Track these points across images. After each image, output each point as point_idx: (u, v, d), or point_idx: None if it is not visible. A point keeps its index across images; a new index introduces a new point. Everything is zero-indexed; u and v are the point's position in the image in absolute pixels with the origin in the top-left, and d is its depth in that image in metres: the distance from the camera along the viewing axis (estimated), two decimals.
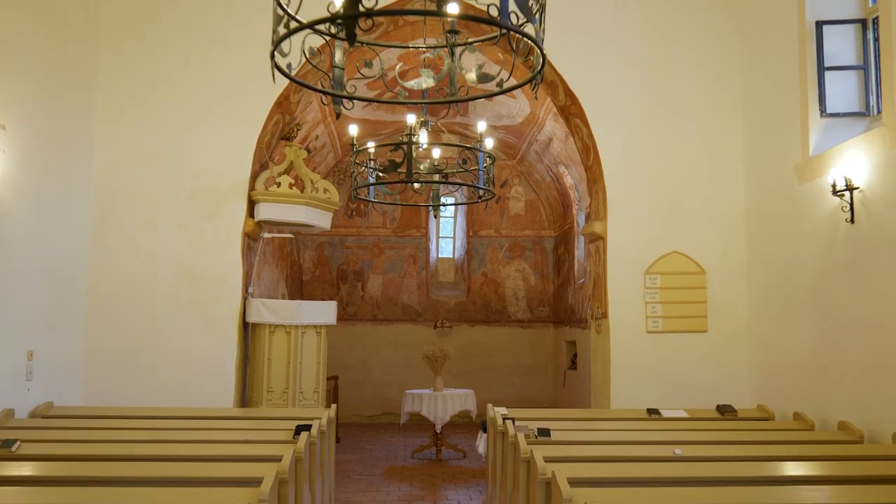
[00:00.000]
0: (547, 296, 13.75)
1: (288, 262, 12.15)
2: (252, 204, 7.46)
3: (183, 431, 5.24)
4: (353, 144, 4.90)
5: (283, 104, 7.68)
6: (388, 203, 5.46)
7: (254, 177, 7.45)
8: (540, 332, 13.69)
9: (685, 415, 6.48)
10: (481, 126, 4.61)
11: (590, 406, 10.38)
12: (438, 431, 9.43)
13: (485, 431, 7.40)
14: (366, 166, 5.02)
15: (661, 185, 7.54)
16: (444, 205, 5.68)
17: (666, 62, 7.60)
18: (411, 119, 4.44)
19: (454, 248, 14.24)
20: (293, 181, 7.45)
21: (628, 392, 7.30)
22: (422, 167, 4.49)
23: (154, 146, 7.32)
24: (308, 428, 4.98)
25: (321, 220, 7.62)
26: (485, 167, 4.82)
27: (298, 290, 13.06)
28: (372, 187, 5.27)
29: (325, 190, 7.63)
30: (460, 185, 4.57)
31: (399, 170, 4.44)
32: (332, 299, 13.21)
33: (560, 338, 13.10)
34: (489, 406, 6.50)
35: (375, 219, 13.78)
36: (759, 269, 7.25)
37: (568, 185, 12.11)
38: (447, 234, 14.37)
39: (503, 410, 6.29)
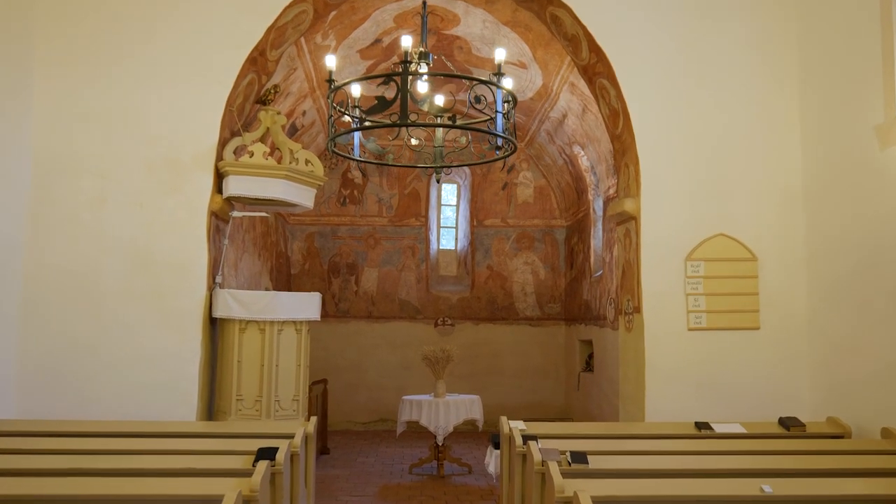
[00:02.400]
0: (558, 291, 12.58)
1: (273, 253, 10.98)
2: (220, 177, 6.30)
3: (108, 458, 4.07)
4: (330, 80, 3.75)
5: (257, 61, 6.51)
6: (376, 163, 4.29)
7: (222, 145, 6.29)
8: (551, 330, 12.53)
9: (742, 430, 5.32)
10: (500, 54, 3.44)
11: (613, 415, 9.26)
12: (440, 444, 8.26)
13: (496, 448, 6.23)
14: (347, 113, 3.85)
15: (704, 156, 6.38)
16: (450, 165, 4.49)
17: (708, 8, 6.44)
18: (406, 42, 3.27)
19: (456, 238, 13.08)
20: (268, 150, 6.28)
21: (666, 401, 6.13)
22: (424, 107, 3.32)
23: (103, 107, 6.16)
24: (272, 454, 3.81)
25: (303, 197, 6.46)
26: (504, 112, 3.65)
27: (286, 284, 11.89)
28: (357, 144, 4.11)
29: (308, 161, 6.47)
30: (470, 128, 3.38)
31: (391, 112, 3.30)
32: (322, 294, 12.06)
33: (573, 337, 11.94)
34: (503, 420, 5.33)
35: (370, 207, 12.62)
36: (822, 254, 6.09)
37: (583, 167, 10.94)
38: (449, 224, 13.21)
39: (521, 425, 5.12)
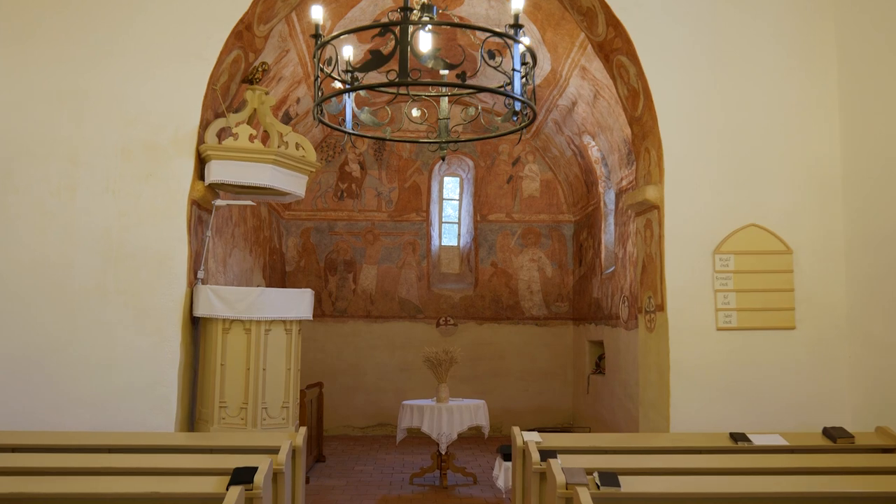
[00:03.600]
0: (566, 289, 12.01)
1: (266, 249, 10.41)
2: (202, 162, 5.73)
3: (63, 480, 3.50)
4: (316, 35, 3.18)
5: (243, 36, 5.95)
6: (370, 137, 3.71)
7: (204, 127, 5.72)
8: (558, 330, 11.96)
9: (783, 441, 4.75)
10: (516, 3, 2.87)
11: (628, 421, 8.69)
12: (443, 452, 7.69)
13: (506, 459, 5.68)
14: (333, 76, 3.26)
15: (734, 139, 5.81)
16: (458, 140, 3.91)
17: None
18: None
19: (459, 234, 12.51)
20: (255, 133, 5.71)
21: (693, 408, 5.57)
22: (428, 63, 2.74)
23: (72, 87, 5.59)
24: (249, 475, 3.24)
25: (293, 184, 5.88)
26: (523, 74, 3.06)
27: (280, 281, 11.32)
28: (349, 115, 3.52)
29: (299, 146, 5.90)
30: (484, 89, 2.80)
31: (388, 69, 2.73)
32: (318, 293, 11.51)
33: (582, 337, 11.37)
34: (515, 431, 4.76)
35: (369, 201, 12.05)
36: (862, 246, 5.53)
37: (593, 158, 10.38)
38: (451, 219, 12.64)
39: (535, 437, 4.56)
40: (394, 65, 2.88)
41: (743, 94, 5.83)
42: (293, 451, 4.39)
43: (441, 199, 12.54)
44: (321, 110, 3.36)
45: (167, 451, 4.43)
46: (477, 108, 3.85)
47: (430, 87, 3.93)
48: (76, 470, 3.87)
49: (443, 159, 3.82)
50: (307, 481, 7.80)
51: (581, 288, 11.48)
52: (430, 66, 2.75)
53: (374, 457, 9.51)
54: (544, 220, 12.08)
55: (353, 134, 3.63)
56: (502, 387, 11.71)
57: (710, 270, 5.71)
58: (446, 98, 3.74)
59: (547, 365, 11.87)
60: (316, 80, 3.27)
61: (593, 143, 10.07)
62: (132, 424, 5.34)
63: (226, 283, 8.09)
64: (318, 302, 11.74)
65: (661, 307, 5.80)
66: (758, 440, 4.73)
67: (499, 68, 2.94)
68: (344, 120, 3.56)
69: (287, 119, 9.52)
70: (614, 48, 6.18)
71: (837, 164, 5.80)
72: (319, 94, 3.27)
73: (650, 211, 6.03)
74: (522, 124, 3.45)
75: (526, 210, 12.10)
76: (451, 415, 7.62)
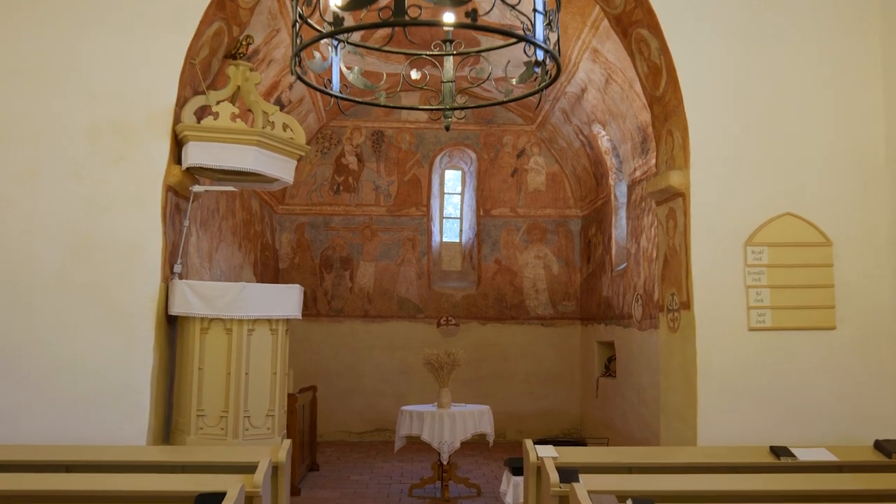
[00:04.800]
0: (573, 287, 11.45)
1: (257, 245, 9.86)
2: (178, 144, 5.17)
3: None
4: None
5: (225, 6, 5.39)
6: (361, 102, 3.14)
7: (181, 105, 5.17)
8: (565, 331, 11.40)
9: (832, 457, 4.20)
10: None
11: (642, 427, 8.12)
12: (445, 462, 7.13)
13: (514, 473, 5.12)
14: (319, 28, 2.70)
15: (767, 119, 5.26)
16: (464, 107, 3.34)
17: None
18: None
19: (461, 230, 11.96)
20: (237, 112, 5.16)
21: (723, 416, 5.01)
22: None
23: (34, 60, 5.03)
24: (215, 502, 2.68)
25: (280, 168, 5.33)
26: (546, 19, 2.51)
27: (273, 279, 10.77)
28: (335, 74, 2.96)
29: (286, 126, 5.34)
30: (498, 31, 2.25)
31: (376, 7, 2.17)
32: (313, 291, 10.97)
33: (590, 338, 10.81)
34: (528, 445, 4.20)
35: (367, 195, 11.50)
36: None
37: (603, 149, 9.82)
38: (453, 214, 12.09)
39: (551, 451, 4.01)
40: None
41: (777, 69, 5.28)
42: (274, 469, 3.83)
43: (442, 192, 11.99)
44: (299, 62, 2.79)
45: (130, 469, 3.88)
46: (488, 63, 3.28)
47: (432, 46, 3.37)
48: (22, 495, 3.32)
49: (447, 129, 3.28)
50: (298, 493, 7.24)
51: (589, 286, 10.92)
52: (433, 1, 2.20)
53: (371, 465, 8.96)
54: (550, 214, 11.53)
55: (341, 98, 3.07)
56: (506, 390, 11.16)
57: (741, 264, 5.16)
58: (451, 58, 3.19)
59: (553, 367, 11.31)
60: (294, 24, 2.71)
61: (603, 133, 9.52)
62: (99, 436, 4.79)
63: (212, 279, 7.54)
64: (314, 301, 11.20)
65: (686, 305, 5.24)
66: (802, 455, 4.18)
67: (517, 7, 2.38)
68: (330, 81, 3.01)
69: (279, 107, 8.96)
70: (633, 20, 5.62)
71: (882, 147, 5.25)
72: (298, 41, 2.71)
73: (673, 199, 5.47)
74: (542, 84, 2.89)
75: (531, 204, 11.55)
76: (453, 422, 7.07)
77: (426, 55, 3.22)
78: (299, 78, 2.85)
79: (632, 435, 8.72)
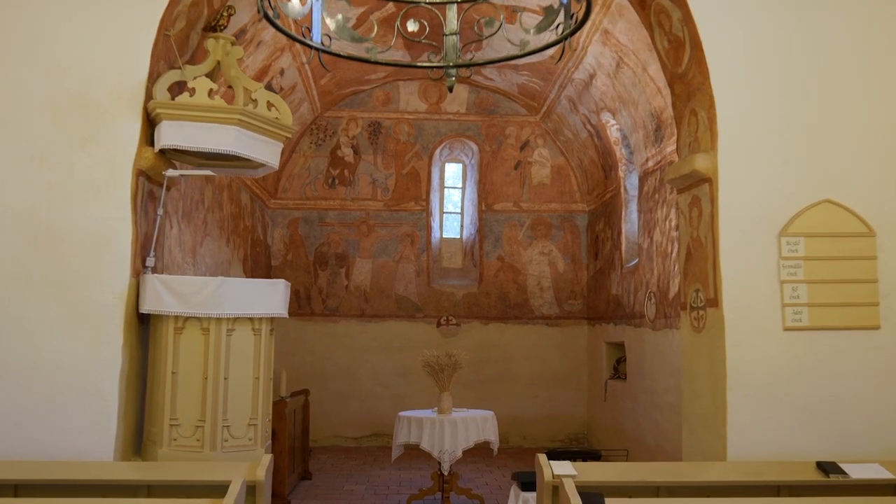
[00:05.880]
0: (580, 285, 10.95)
1: (248, 240, 9.35)
2: (151, 124, 4.67)
3: None
4: None
5: None
6: (347, 57, 2.62)
7: (153, 80, 4.65)
8: (571, 331, 10.90)
9: (887, 474, 3.69)
10: None
11: (656, 434, 7.58)
12: (446, 473, 6.63)
13: (524, 489, 4.62)
14: None
15: (804, 96, 4.76)
16: (470, 64, 2.83)
17: None
18: None
19: (462, 225, 11.46)
20: (216, 88, 4.65)
21: (756, 427, 4.50)
22: None
23: None
24: None
25: (264, 152, 4.82)
26: None
27: (265, 276, 10.25)
28: (316, 19, 2.46)
29: (271, 105, 4.84)
30: None
31: None
32: (307, 289, 10.47)
33: (598, 338, 10.31)
34: (542, 460, 3.69)
35: (363, 189, 10.99)
36: None
37: (612, 139, 9.32)
38: (454, 209, 11.59)
39: (568, 469, 3.50)
40: None
41: (816, 39, 4.77)
42: (251, 489, 3.33)
43: (442, 186, 11.49)
44: (270, 3, 2.28)
45: (88, 490, 3.38)
46: (499, 12, 2.76)
47: None
48: None
49: (450, 90, 2.78)
50: None
51: (597, 284, 10.42)
52: None
53: (368, 473, 8.45)
54: (555, 209, 11.02)
55: (323, 51, 2.56)
56: (509, 393, 10.66)
57: (775, 257, 4.66)
58: (454, 6, 2.68)
59: (559, 369, 10.81)
60: None
61: (613, 122, 9.02)
62: (60, 448, 4.28)
63: (196, 276, 7.02)
64: (308, 300, 10.69)
65: (713, 302, 4.74)
66: (854, 472, 3.68)
67: None
68: (310, 30, 2.50)
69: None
70: None
71: None
72: None
73: (698, 185, 4.96)
74: (566, 32, 2.39)
75: (535, 199, 11.05)
76: (454, 429, 6.56)
77: (424, 3, 2.71)
78: (268, 20, 2.35)
79: (644, 441, 8.21)
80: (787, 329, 4.61)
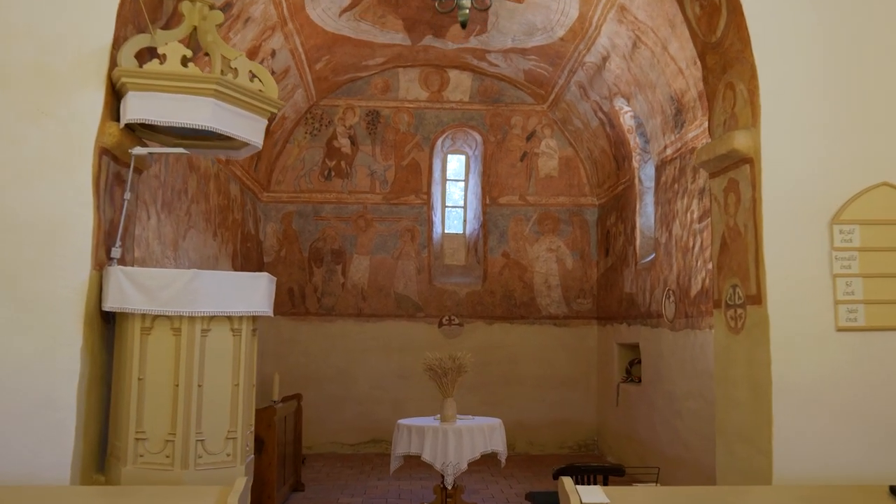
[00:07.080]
0: (589, 283, 10.39)
1: (237, 234, 8.79)
2: (117, 96, 4.10)
3: None
4: None
5: None
6: None
7: (119, 46, 4.09)
8: (580, 331, 10.35)
9: None
10: None
11: (676, 443, 6.98)
12: (450, 487, 6.06)
13: None
14: None
15: (859, 66, 4.20)
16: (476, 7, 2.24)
17: None
18: None
19: (465, 220, 10.91)
20: (190, 54, 4.08)
21: (807, 440, 3.95)
22: None
23: None
24: None
25: (245, 128, 4.25)
26: None
27: None
28: None
29: (253, 76, 4.28)
30: None
31: None
32: (301, 287, 9.91)
33: (609, 339, 9.75)
34: (568, 485, 3.11)
35: (361, 181, 10.43)
36: None
37: (626, 127, 8.76)
38: (456, 203, 11.03)
39: (600, 496, 2.93)
40: None
41: (869, 9, 4.21)
42: None
43: (444, 179, 10.93)
44: None
45: None
46: None
47: None
48: None
49: (463, 26, 2.22)
50: None
51: (608, 281, 9.86)
52: None
53: (365, 484, 7.88)
54: (564, 203, 10.46)
55: None
56: (515, 397, 10.10)
57: (826, 248, 4.10)
58: None
59: (567, 371, 10.25)
60: None
61: (627, 108, 8.46)
62: (7, 467, 3.72)
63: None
64: (302, 298, 10.14)
65: (755, 299, 4.17)
66: None
67: None
68: None
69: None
70: None
71: None
72: None
73: (737, 167, 4.40)
74: None
75: (542, 192, 10.48)
76: (459, 439, 6.00)
77: None
78: None
79: (661, 450, 7.65)
80: (840, 329, 4.05)
